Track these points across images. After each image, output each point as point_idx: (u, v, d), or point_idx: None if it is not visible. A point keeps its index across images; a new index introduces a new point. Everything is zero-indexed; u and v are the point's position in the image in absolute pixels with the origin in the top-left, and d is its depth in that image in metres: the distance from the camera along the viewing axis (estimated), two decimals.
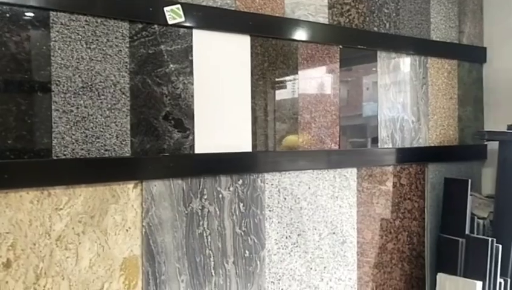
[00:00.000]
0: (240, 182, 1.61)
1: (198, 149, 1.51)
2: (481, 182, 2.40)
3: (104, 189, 1.34)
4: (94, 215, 1.32)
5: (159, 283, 1.43)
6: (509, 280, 1.94)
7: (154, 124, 1.43)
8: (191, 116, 1.50)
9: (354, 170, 1.92)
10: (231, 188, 1.59)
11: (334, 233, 1.85)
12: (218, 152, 1.55)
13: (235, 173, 1.59)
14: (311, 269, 1.79)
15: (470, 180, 2.06)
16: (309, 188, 1.79)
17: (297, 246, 1.75)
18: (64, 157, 1.27)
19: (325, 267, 1.82)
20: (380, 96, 2.00)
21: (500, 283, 1.93)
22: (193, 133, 1.50)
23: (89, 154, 1.31)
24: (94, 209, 1.32)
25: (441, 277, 2.03)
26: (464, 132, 2.31)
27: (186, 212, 1.49)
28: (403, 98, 2.08)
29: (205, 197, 1.53)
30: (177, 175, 1.47)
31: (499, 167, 2.03)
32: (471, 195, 2.13)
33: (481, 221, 2.07)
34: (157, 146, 1.44)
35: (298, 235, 1.76)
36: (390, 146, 2.04)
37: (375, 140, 1.99)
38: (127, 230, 1.38)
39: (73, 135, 1.29)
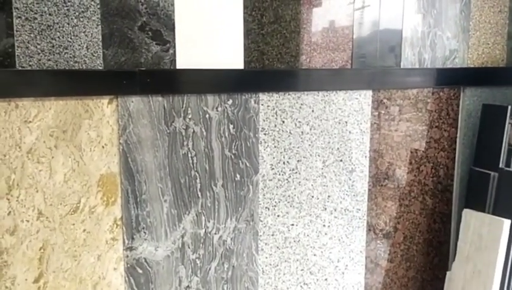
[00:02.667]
0: (230, 102, 1.49)
1: (181, 64, 1.40)
2: None
3: (76, 103, 1.29)
4: (66, 130, 1.29)
5: (139, 202, 1.41)
6: None
7: (129, 35, 1.33)
8: (171, 28, 1.38)
9: (369, 93, 1.72)
10: (219, 108, 1.48)
11: (341, 161, 1.71)
12: (203, 68, 1.43)
13: (224, 92, 1.48)
14: (312, 197, 1.68)
15: (510, 107, 1.78)
16: (312, 111, 1.63)
17: (296, 173, 1.64)
18: (29, 68, 1.22)
19: (329, 196, 1.71)
20: (405, 5, 1.73)
21: None
22: (174, 47, 1.39)
23: (57, 65, 1.25)
24: (66, 123, 1.28)
25: (466, 213, 1.85)
26: None
27: (168, 131, 1.42)
28: (436, 9, 1.79)
29: (189, 116, 1.44)
30: (156, 92, 1.38)
31: None
32: None
33: None
34: (133, 60, 1.34)
35: (298, 161, 1.64)
36: (417, 66, 1.79)
37: (398, 58, 1.75)
38: (103, 147, 1.34)
39: (39, 44, 1.23)
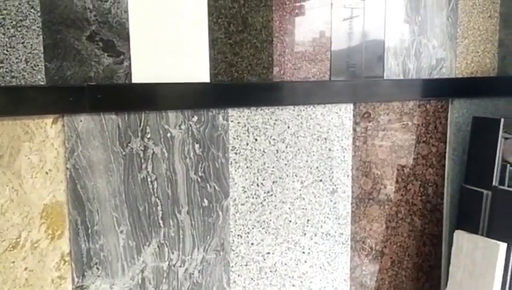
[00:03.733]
0: (195, 119, 1.34)
1: (137, 78, 1.25)
2: None
3: (13, 124, 1.13)
4: (3, 154, 1.12)
5: (91, 234, 1.24)
6: None
7: (75, 46, 1.17)
8: (125, 37, 1.23)
9: (350, 106, 1.58)
10: (183, 126, 1.32)
11: (321, 181, 1.56)
12: (163, 82, 1.28)
13: (188, 108, 1.32)
14: (290, 221, 1.52)
15: (502, 119, 1.65)
16: (288, 127, 1.48)
17: (272, 195, 1.48)
18: None
19: (308, 220, 1.55)
20: (387, 13, 1.60)
21: None
22: (129, 59, 1.24)
23: None
24: (2, 147, 1.12)
25: (458, 234, 1.70)
26: (506, 60, 1.86)
27: (123, 153, 1.26)
28: (421, 16, 1.66)
29: (148, 136, 1.28)
30: (109, 109, 1.22)
31: None
32: (506, 138, 1.73)
33: None
34: (82, 73, 1.19)
35: (273, 182, 1.48)
36: (402, 77, 1.65)
37: (380, 69, 1.62)
38: (46, 173, 1.17)
39: None
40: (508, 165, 1.67)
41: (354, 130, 1.60)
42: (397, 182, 1.71)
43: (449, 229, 1.81)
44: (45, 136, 1.16)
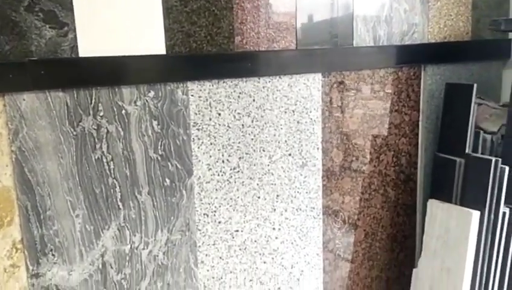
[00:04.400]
0: (151, 94, 1.26)
1: (84, 52, 1.15)
2: (501, 89, 1.92)
3: None
4: None
5: (43, 219, 1.17)
6: None
7: (13, 17, 1.07)
8: (68, 7, 1.12)
9: (318, 76, 1.51)
10: (138, 102, 1.24)
11: (290, 155, 1.50)
12: (114, 55, 1.19)
13: (143, 83, 1.24)
14: (258, 197, 1.47)
15: (475, 85, 1.60)
16: (253, 100, 1.41)
17: (238, 172, 1.42)
18: None
19: (278, 196, 1.50)
20: None
21: (504, 213, 1.55)
22: (74, 30, 1.14)
23: None
24: None
25: (432, 203, 1.68)
26: (480, 24, 1.80)
27: (74, 133, 1.17)
28: None
29: (101, 114, 1.20)
30: (55, 86, 1.13)
31: None
32: (480, 104, 1.69)
33: (489, 136, 1.63)
34: (22, 48, 1.09)
35: (240, 158, 1.42)
36: (372, 44, 1.58)
37: (349, 37, 1.54)
38: None
39: None
40: (481, 131, 1.63)
41: (323, 101, 1.54)
42: (369, 153, 1.67)
43: (423, 198, 1.78)
44: None
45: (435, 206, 1.67)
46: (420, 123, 1.75)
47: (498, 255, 1.57)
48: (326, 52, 1.50)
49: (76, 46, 1.14)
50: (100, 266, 1.26)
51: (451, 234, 1.60)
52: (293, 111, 1.48)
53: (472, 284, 1.57)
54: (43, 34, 1.11)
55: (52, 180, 1.17)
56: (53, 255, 1.19)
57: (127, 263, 1.30)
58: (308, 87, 1.49)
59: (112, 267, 1.28)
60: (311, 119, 1.52)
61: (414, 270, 1.73)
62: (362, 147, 1.65)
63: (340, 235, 1.66)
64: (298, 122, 1.50)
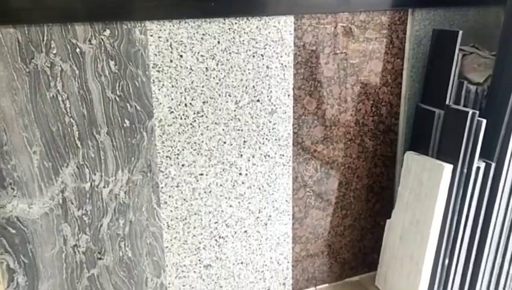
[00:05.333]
0: (107, 32, 1.23)
1: None
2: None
3: None
4: None
5: (1, 154, 1.20)
6: (493, 164, 1.50)
7: None
8: None
9: (290, 19, 1.44)
10: (93, 41, 1.23)
11: (258, 101, 1.47)
12: None
13: (97, 21, 1.22)
14: (224, 143, 1.47)
15: (460, 32, 1.51)
16: (218, 42, 1.37)
17: (202, 116, 1.41)
18: None
19: (244, 142, 1.49)
20: None
21: (478, 168, 1.50)
22: None
23: None
24: None
25: (408, 156, 1.64)
26: None
27: (27, 70, 1.18)
28: None
29: (54, 51, 1.19)
30: (5, 22, 1.13)
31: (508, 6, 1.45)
32: (471, 53, 1.60)
33: (473, 87, 1.55)
34: None
35: (204, 102, 1.40)
36: None
37: None
38: None
39: None
40: (465, 82, 1.55)
41: (296, 45, 1.48)
42: (345, 101, 1.62)
43: (404, 150, 1.73)
44: None
45: (410, 159, 1.63)
46: (404, 72, 1.67)
47: (469, 209, 1.54)
48: None
49: None
50: (60, 201, 1.30)
51: (423, 187, 1.57)
52: (262, 55, 1.44)
53: (440, 236, 1.55)
54: None
55: (7, 116, 1.19)
56: (12, 188, 1.24)
57: (87, 200, 1.34)
58: (279, 31, 1.44)
59: (72, 203, 1.32)
60: (281, 64, 1.47)
61: (388, 221, 1.73)
62: (338, 95, 1.60)
63: (311, 183, 1.65)
64: (268, 67, 1.46)
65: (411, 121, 1.71)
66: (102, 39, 1.23)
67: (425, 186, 1.56)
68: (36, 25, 1.16)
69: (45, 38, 1.18)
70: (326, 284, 1.79)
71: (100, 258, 1.39)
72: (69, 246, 1.35)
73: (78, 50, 1.22)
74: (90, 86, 1.25)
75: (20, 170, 1.24)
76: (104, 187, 1.35)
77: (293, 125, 1.55)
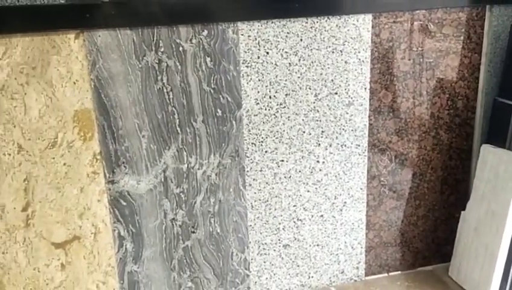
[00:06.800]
0: (205, 33, 1.42)
1: None
2: None
3: (42, 39, 1.30)
4: (36, 66, 1.31)
5: (117, 137, 1.43)
6: None
7: None
8: None
9: (369, 17, 1.54)
10: (194, 40, 1.41)
11: (336, 93, 1.59)
12: None
13: (198, 23, 1.40)
14: (304, 132, 1.60)
15: None
16: (301, 40, 1.51)
17: (284, 107, 1.56)
18: None
19: (322, 132, 1.62)
20: None
21: None
22: None
23: (18, 1, 1.25)
24: (34, 60, 1.30)
25: (484, 148, 1.67)
26: None
27: (140, 66, 1.39)
28: None
29: (161, 50, 1.40)
30: (123, 25, 1.34)
31: None
32: None
33: None
34: None
35: (286, 94, 1.55)
36: None
37: None
38: (74, 83, 1.35)
39: None
40: None
41: (373, 42, 1.58)
42: (421, 95, 1.68)
43: (480, 144, 1.76)
44: (70, 50, 1.33)
45: (487, 151, 1.66)
46: (482, 66, 1.70)
47: None
48: None
49: None
50: (162, 179, 1.51)
51: (499, 179, 1.60)
52: (341, 51, 1.55)
53: None
54: None
55: (123, 105, 1.41)
56: (125, 166, 1.46)
57: (184, 180, 1.53)
58: (358, 28, 1.54)
59: (172, 182, 1.52)
60: (359, 59, 1.58)
61: (462, 212, 1.76)
62: (413, 89, 1.67)
63: (385, 173, 1.73)
64: (346, 62, 1.57)
65: (488, 114, 1.74)
66: (201, 38, 1.42)
67: (502, 178, 1.59)
68: (148, 27, 1.36)
69: (155, 39, 1.38)
70: (399, 272, 1.86)
71: (193, 232, 1.58)
72: (168, 219, 1.55)
73: (181, 48, 1.41)
74: (190, 80, 1.44)
75: (132, 151, 1.45)
76: (198, 169, 1.53)
77: (369, 117, 1.65)
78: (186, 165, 1.52)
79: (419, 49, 1.63)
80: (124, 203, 1.49)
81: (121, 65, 1.38)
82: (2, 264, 1.41)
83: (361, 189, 1.72)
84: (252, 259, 1.67)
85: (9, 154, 1.35)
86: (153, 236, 1.54)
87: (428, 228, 1.85)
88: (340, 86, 1.59)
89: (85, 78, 1.36)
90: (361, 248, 1.78)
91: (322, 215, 1.71)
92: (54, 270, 1.47)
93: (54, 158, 1.39)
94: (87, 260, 1.49)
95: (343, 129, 1.63)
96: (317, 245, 1.73)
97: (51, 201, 1.42)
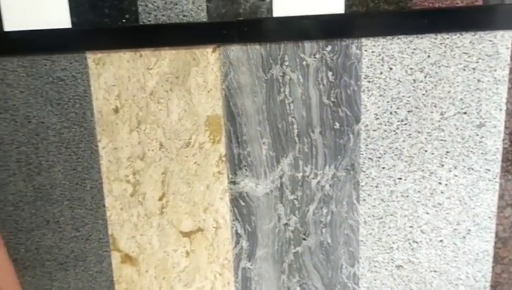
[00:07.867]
0: (329, 48, 1.48)
1: (277, 12, 1.45)
2: None
3: (185, 52, 1.50)
4: (179, 76, 1.52)
5: (240, 142, 1.56)
6: None
7: None
8: None
9: (509, 34, 1.43)
10: (317, 55, 1.48)
11: (465, 113, 1.50)
12: (299, 15, 1.45)
13: (322, 38, 1.47)
14: (425, 151, 1.54)
15: None
16: (428, 56, 1.47)
17: (406, 124, 1.53)
18: (149, 22, 1.48)
19: (447, 152, 1.54)
20: None
21: None
22: None
23: (169, 20, 1.47)
24: (178, 70, 1.51)
25: None
26: None
27: (265, 78, 1.51)
28: None
29: (286, 63, 1.49)
30: (254, 40, 1.47)
31: None
32: None
33: None
34: (233, 10, 1.46)
35: (409, 111, 1.52)
36: None
37: None
38: (208, 91, 1.53)
39: (155, 2, 1.46)
40: None
41: None
42: None
43: None
44: (207, 62, 1.50)
45: None
46: None
47: None
48: None
49: (271, 9, 1.45)
50: (279, 185, 1.60)
51: None
52: (474, 69, 1.47)
53: None
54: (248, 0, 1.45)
55: (248, 113, 1.54)
56: (246, 169, 1.59)
57: (299, 187, 1.60)
58: (495, 45, 1.44)
59: (287, 188, 1.60)
60: (495, 78, 1.47)
61: None
62: None
63: None
64: (479, 80, 1.47)
65: None
66: (324, 54, 1.48)
67: None
68: (276, 43, 1.47)
69: (281, 53, 1.49)
70: None
71: (304, 239, 1.64)
72: (282, 224, 1.63)
73: (304, 62, 1.49)
74: (311, 93, 1.51)
75: (253, 155, 1.58)
76: (312, 178, 1.59)
77: (503, 140, 1.52)
78: (301, 174, 1.59)
79: None
80: (243, 204, 1.62)
81: (249, 77, 1.51)
82: (139, 244, 1.64)
83: (489, 218, 1.58)
84: (361, 275, 1.66)
85: (152, 150, 1.58)
86: (267, 237, 1.64)
87: None
88: (470, 105, 1.49)
89: (217, 88, 1.52)
90: (486, 281, 1.63)
91: (441, 241, 1.61)
92: (180, 256, 1.66)
93: (187, 157, 1.58)
94: (208, 251, 1.65)
95: (471, 151, 1.53)
96: (435, 271, 1.64)
97: (182, 194, 1.61)
